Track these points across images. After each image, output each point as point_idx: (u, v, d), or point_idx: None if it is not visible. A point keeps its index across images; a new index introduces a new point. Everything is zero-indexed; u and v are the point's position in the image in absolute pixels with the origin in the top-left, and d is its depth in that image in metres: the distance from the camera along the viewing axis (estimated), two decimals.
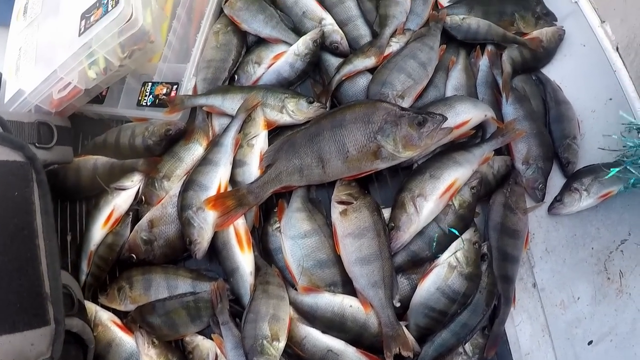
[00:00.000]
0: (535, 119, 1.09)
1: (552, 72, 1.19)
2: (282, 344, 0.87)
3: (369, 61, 1.05)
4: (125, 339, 0.96)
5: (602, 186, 1.03)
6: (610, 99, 1.17)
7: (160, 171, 1.05)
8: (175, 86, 1.09)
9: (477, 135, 1.07)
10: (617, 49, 1.20)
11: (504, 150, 1.09)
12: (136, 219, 1.06)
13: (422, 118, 0.91)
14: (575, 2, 1.25)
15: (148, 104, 1.10)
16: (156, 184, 1.05)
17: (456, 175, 0.96)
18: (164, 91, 1.10)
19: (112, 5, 0.97)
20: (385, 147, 0.92)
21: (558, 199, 1.06)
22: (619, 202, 1.07)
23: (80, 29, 1.01)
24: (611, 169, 0.97)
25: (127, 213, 1.07)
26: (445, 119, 0.92)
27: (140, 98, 1.11)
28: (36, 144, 0.99)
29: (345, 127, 0.94)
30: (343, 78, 1.05)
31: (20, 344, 0.62)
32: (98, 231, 1.05)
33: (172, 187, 1.04)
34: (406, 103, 1.02)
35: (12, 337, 0.61)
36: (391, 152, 0.92)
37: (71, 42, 1.01)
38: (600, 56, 1.20)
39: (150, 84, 1.12)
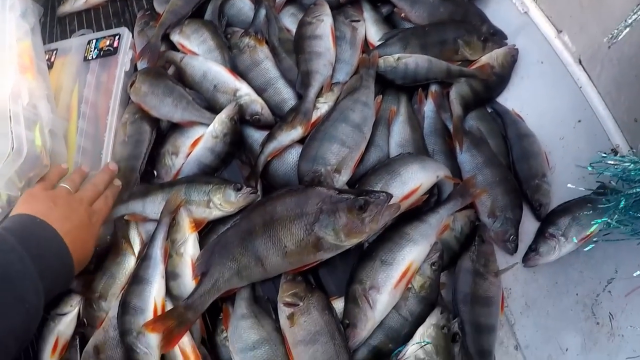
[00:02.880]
0: (496, 164, 0.96)
1: (510, 99, 1.05)
2: None
3: (295, 133, 0.91)
4: None
5: (581, 228, 0.91)
6: (579, 121, 1.03)
7: (95, 291, 0.97)
8: None
9: (432, 194, 0.95)
10: (580, 61, 1.05)
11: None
12: (83, 340, 0.98)
13: (362, 201, 0.80)
14: (525, 12, 1.09)
15: None
16: (94, 305, 0.96)
17: (411, 256, 0.85)
18: None
19: None
20: (326, 238, 0.82)
21: (533, 249, 0.94)
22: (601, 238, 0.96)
23: None
24: (594, 221, 0.86)
25: (73, 336, 0.98)
26: (389, 196, 0.80)
27: None
28: None
29: (278, 221, 0.83)
30: (269, 158, 0.93)
31: None
32: None
33: (111, 307, 0.95)
34: (344, 176, 0.89)
35: None
36: (333, 242, 0.82)
37: None
38: (561, 72, 1.05)
39: None
